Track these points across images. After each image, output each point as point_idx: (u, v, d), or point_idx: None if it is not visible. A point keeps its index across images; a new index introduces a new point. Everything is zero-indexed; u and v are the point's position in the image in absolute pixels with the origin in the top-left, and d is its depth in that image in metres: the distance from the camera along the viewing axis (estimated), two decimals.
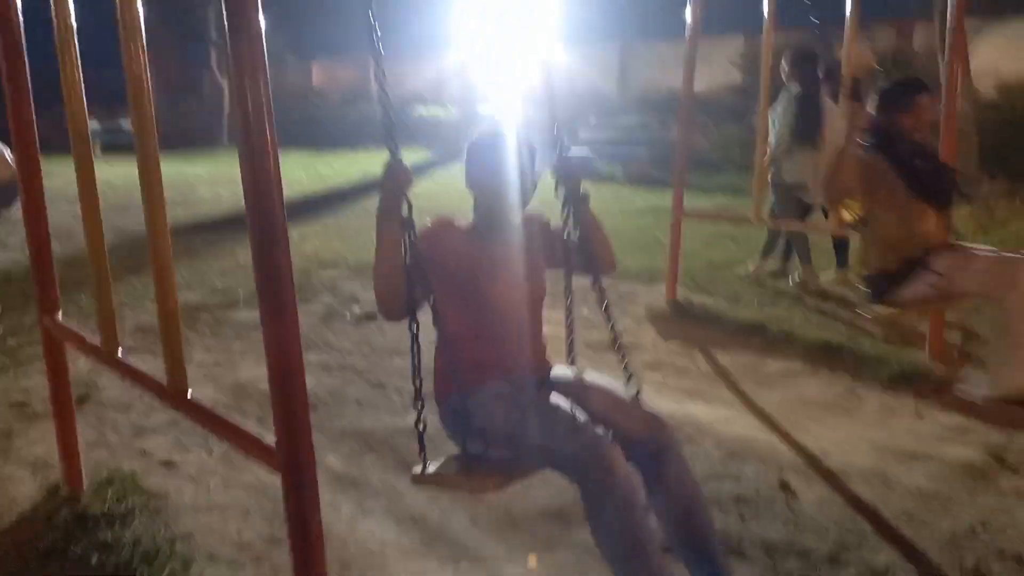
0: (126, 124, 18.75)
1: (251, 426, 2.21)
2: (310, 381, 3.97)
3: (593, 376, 2.09)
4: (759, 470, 2.85)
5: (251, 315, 4.86)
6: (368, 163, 13.63)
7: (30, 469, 2.88)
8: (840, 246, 5.42)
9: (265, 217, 1.31)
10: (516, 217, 2.06)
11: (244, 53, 1.25)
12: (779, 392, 3.67)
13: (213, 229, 7.90)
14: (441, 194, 7.12)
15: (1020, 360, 2.69)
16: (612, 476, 1.70)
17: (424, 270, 1.82)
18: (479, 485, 1.82)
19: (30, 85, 2.36)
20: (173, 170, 11.97)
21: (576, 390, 2.00)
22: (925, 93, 2.90)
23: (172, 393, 1.83)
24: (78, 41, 2.06)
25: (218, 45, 20.28)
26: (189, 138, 17.78)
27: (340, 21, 21.33)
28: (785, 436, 3.17)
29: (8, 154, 8.56)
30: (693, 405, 3.51)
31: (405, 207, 1.79)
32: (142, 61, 1.73)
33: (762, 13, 4.52)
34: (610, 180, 12.03)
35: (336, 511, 2.59)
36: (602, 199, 8.96)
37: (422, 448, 1.83)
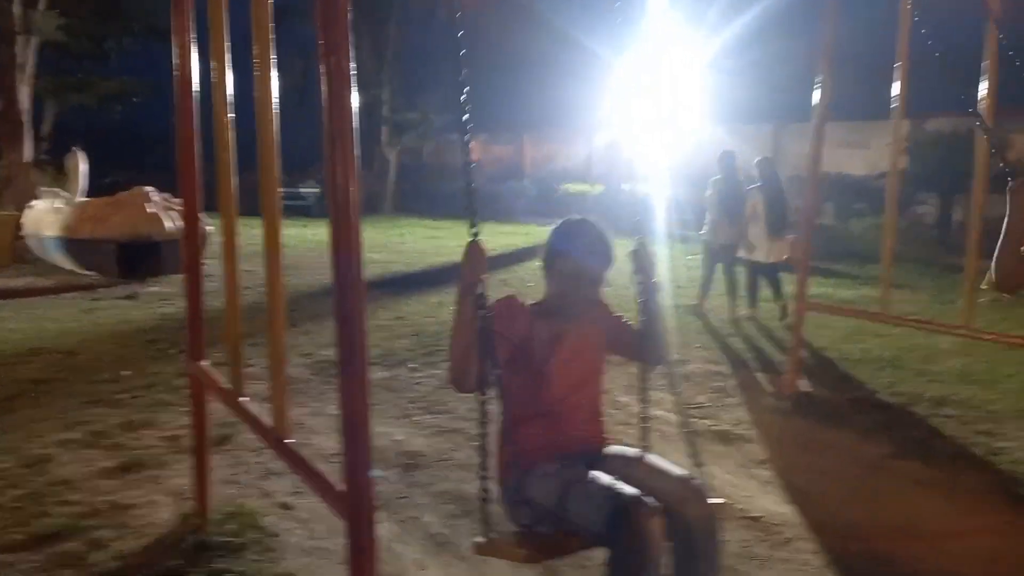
0: (305, 190, 20.76)
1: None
2: (420, 442, 4.20)
3: (650, 456, 2.15)
4: None
5: (384, 374, 5.21)
6: (514, 236, 14.22)
7: (172, 497, 3.26)
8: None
9: (346, 285, 1.50)
10: (583, 302, 2.15)
11: (336, 127, 1.45)
12: (896, 509, 3.43)
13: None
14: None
15: None
16: (640, 540, 1.75)
17: (493, 347, 1.92)
18: (531, 557, 1.90)
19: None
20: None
21: (625, 465, 2.08)
22: None
23: (271, 436, 2.08)
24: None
25: (389, 123, 22.05)
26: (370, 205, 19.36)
27: (497, 101, 22.62)
28: None
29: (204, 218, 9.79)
30: (788, 507, 3.35)
31: (480, 287, 1.91)
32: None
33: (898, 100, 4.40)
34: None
35: (422, 570, 2.72)
36: (743, 283, 8.75)
37: (484, 518, 1.95)
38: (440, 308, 7.48)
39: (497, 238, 14.54)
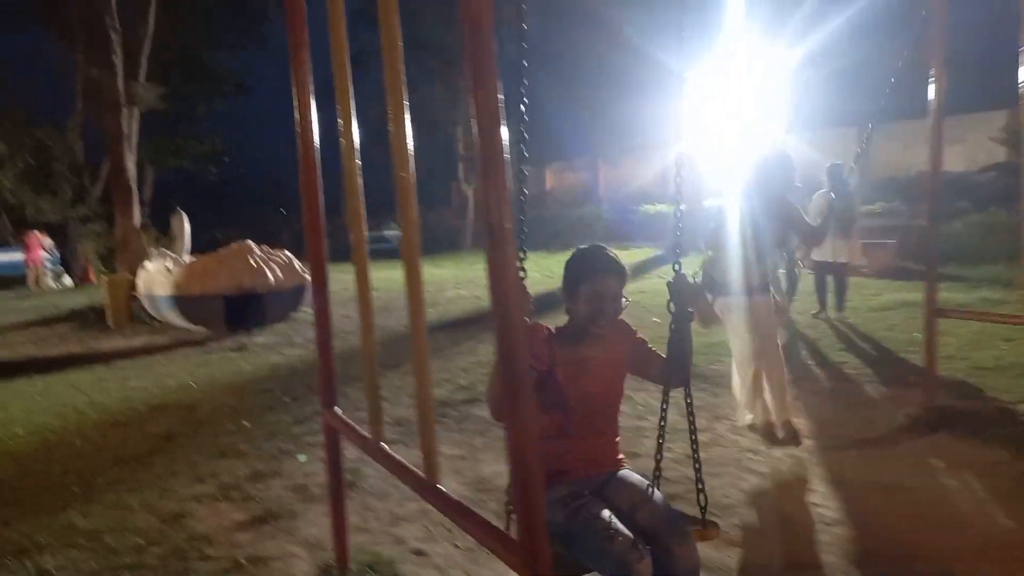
0: (389, 232, 21.29)
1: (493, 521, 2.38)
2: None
3: (655, 493, 2.22)
4: None
5: (484, 412, 5.18)
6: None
7: (307, 548, 3.29)
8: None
9: (506, 321, 1.46)
10: (607, 322, 2.24)
11: (491, 167, 1.44)
12: None
13: (458, 327, 8.59)
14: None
15: None
16: None
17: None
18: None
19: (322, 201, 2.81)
20: (424, 273, 13.28)
21: (629, 498, 2.18)
22: None
23: (427, 484, 2.04)
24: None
25: (464, 160, 22.47)
26: (438, 243, 19.71)
27: (568, 129, 22.71)
28: None
29: (297, 263, 10.16)
30: (927, 534, 3.09)
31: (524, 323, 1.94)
32: (410, 181, 2.00)
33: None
34: (851, 272, 11.23)
35: None
36: (850, 293, 8.38)
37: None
38: None
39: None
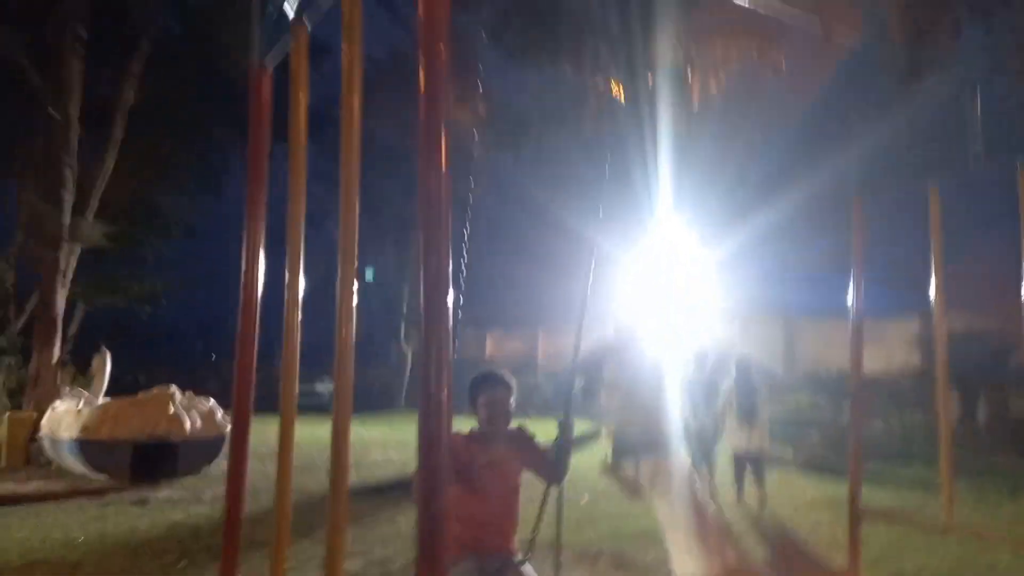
0: (320, 386, 20.71)
1: None
2: None
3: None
4: None
5: None
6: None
7: None
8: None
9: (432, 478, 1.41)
10: (502, 425, 3.01)
11: (435, 330, 1.45)
12: None
13: (380, 493, 8.19)
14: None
15: None
16: None
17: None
18: None
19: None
20: (352, 433, 12.83)
21: None
22: None
23: None
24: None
25: (408, 320, 22.61)
26: (372, 400, 19.21)
27: (512, 297, 23.28)
28: None
29: (220, 412, 9.70)
30: None
31: None
32: (350, 340, 1.98)
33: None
34: (781, 464, 11.33)
35: None
36: (772, 486, 8.39)
37: None
38: None
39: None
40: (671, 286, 10.48)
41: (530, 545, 3.05)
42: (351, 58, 2.02)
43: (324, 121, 4.64)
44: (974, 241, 10.08)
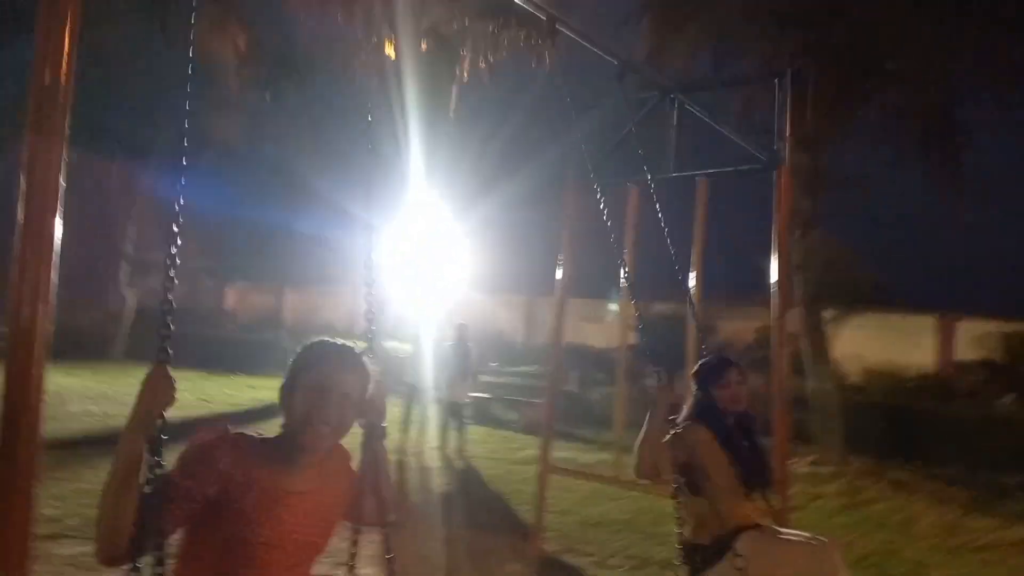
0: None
1: None
2: None
3: None
4: None
5: (79, 549, 4.37)
6: (262, 390, 13.36)
7: None
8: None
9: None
10: (320, 449, 1.69)
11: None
12: None
13: (69, 448, 7.31)
14: None
15: None
16: None
17: (172, 499, 1.53)
18: None
19: None
20: (50, 381, 11.35)
21: None
22: (734, 367, 3.05)
23: None
24: None
25: (131, 261, 20.43)
26: (82, 348, 17.11)
27: (258, 250, 22.09)
28: None
29: None
30: None
31: (158, 424, 1.56)
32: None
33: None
34: (506, 426, 12.08)
35: None
36: (494, 445, 8.95)
37: None
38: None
39: (244, 391, 13.59)
40: (424, 256, 10.62)
41: None
42: None
43: None
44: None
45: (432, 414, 9.53)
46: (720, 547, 2.77)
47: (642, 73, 4.39)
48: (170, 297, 1.68)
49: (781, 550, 2.76)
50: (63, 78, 1.34)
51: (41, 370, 1.31)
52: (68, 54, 1.32)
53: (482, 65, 10.29)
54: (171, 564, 1.57)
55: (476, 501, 6.80)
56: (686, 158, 4.63)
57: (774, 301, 4.14)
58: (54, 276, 1.32)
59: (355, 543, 1.90)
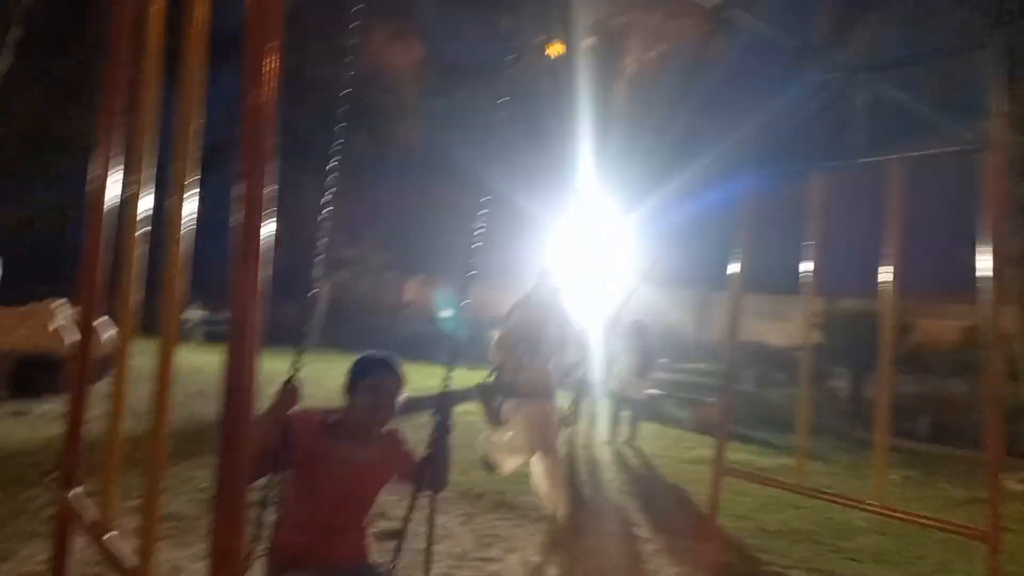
0: (187, 314, 20.15)
1: None
2: None
3: None
4: None
5: None
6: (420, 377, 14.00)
7: None
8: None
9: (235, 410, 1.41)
10: (380, 421, 2.44)
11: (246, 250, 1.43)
12: None
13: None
14: None
15: None
16: None
17: (278, 447, 2.22)
18: None
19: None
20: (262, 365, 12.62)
21: None
22: None
23: None
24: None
25: (324, 259, 22.15)
26: (292, 337, 18.83)
27: (429, 243, 23.13)
28: None
29: (110, 332, 9.33)
30: None
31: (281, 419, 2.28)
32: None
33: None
34: (676, 425, 11.80)
35: None
36: (665, 442, 8.79)
37: None
38: None
39: (422, 380, 14.37)
40: (589, 248, 10.64)
41: (396, 552, 2.44)
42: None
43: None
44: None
45: (603, 408, 9.54)
46: None
47: (824, 55, 4.10)
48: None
49: None
50: (268, 99, 1.48)
51: (254, 356, 1.47)
52: (271, 78, 1.48)
53: (650, 56, 10.11)
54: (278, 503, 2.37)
55: (646, 499, 6.72)
56: (876, 141, 4.28)
57: (985, 297, 3.71)
58: (264, 273, 1.49)
59: (411, 508, 2.45)
